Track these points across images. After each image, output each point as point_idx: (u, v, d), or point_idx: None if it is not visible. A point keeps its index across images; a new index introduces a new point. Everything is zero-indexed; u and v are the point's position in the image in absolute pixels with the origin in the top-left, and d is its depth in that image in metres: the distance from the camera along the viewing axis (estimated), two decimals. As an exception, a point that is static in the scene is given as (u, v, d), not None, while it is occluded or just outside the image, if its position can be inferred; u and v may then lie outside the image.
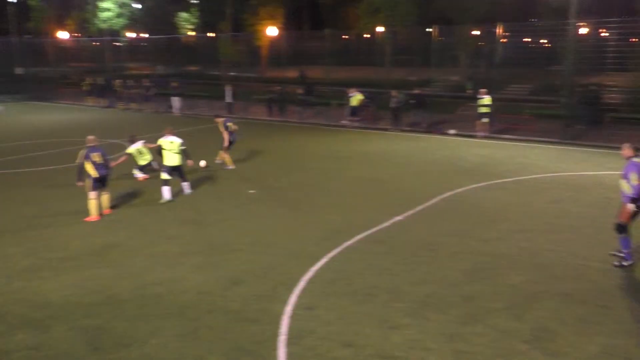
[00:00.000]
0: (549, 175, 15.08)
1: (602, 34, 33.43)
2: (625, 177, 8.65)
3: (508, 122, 23.94)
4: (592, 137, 20.70)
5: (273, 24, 42.00)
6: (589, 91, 24.11)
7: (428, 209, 12.04)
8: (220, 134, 15.95)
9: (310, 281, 8.41)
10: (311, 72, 43.09)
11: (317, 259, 9.22)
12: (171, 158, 12.73)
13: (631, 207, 8.56)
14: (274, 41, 43.74)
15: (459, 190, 13.51)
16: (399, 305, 7.60)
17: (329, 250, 9.61)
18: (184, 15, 52.13)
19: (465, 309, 7.46)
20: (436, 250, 9.63)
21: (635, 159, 8.64)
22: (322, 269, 8.88)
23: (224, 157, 16.02)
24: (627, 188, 8.59)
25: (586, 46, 31.49)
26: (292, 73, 41.84)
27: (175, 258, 9.43)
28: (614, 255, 8.94)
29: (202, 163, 15.41)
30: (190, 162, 13.21)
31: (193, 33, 52.92)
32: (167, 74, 47.43)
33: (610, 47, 24.67)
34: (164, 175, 12.75)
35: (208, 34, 43.40)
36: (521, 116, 24.91)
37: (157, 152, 13.04)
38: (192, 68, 52.22)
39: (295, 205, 12.45)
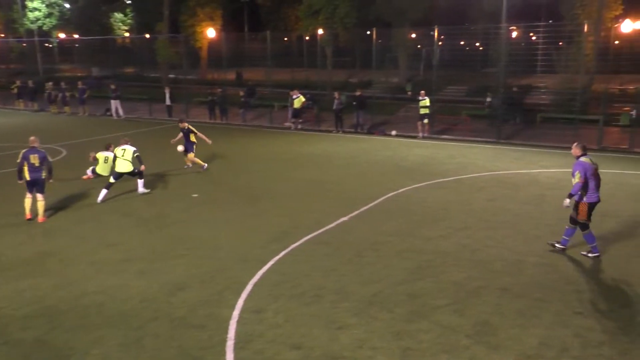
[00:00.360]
0: (486, 174, 15.64)
1: (532, 38, 35.00)
2: (573, 174, 9.06)
3: (447, 123, 24.71)
4: (525, 137, 21.67)
5: (212, 26, 41.44)
6: (511, 92, 25.58)
7: (372, 209, 12.22)
8: (177, 137, 15.98)
9: (258, 284, 8.37)
10: (252, 74, 42.95)
11: (264, 262, 9.18)
12: (122, 165, 13.01)
13: (567, 202, 9.02)
14: (213, 43, 43.18)
15: (402, 190, 13.79)
16: (346, 305, 7.67)
17: (275, 253, 9.58)
18: (118, 15, 50.61)
19: (410, 306, 7.62)
20: (381, 249, 9.79)
21: (583, 159, 9.04)
22: (269, 271, 8.85)
23: (195, 160, 15.79)
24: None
25: (517, 49, 32.95)
26: (232, 75, 41.52)
27: (117, 265, 9.14)
28: (553, 244, 9.49)
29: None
30: (142, 167, 13.32)
31: (128, 34, 51.51)
32: (102, 76, 46.06)
33: (539, 50, 25.85)
34: (111, 180, 13.01)
35: (145, 35, 42.28)
36: (459, 117, 25.75)
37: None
38: (129, 70, 50.89)
39: (241, 209, 12.35)
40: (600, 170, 9.37)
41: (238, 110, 27.34)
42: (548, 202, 12.64)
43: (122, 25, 51.12)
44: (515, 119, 24.23)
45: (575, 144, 9.35)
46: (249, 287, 8.26)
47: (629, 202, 12.65)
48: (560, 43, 27.22)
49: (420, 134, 22.17)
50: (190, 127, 15.81)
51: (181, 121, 15.99)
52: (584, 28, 22.47)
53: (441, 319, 7.26)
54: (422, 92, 22.38)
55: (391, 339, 6.78)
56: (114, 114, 28.49)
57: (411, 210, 12.12)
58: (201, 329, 7.06)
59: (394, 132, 22.95)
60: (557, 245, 9.50)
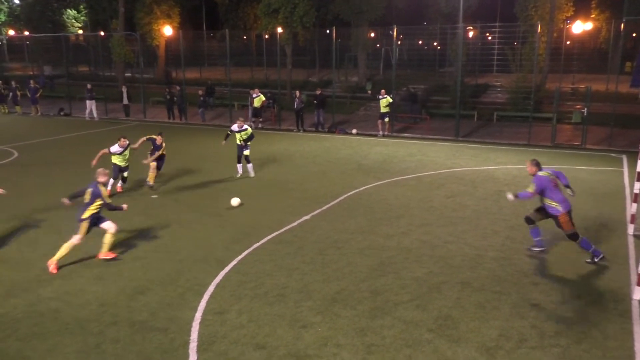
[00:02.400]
0: (445, 171, 15.92)
1: (489, 38, 35.82)
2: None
3: (406, 122, 25.04)
4: (483, 134, 22.17)
5: (169, 23, 40.74)
6: (409, 90, 27.65)
7: (334, 208, 12.27)
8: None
9: (220, 285, 8.29)
10: (211, 73, 42.48)
11: (226, 263, 9.11)
12: (122, 162, 13.22)
13: (510, 196, 9.26)
14: (170, 41, 42.49)
15: (363, 188, 13.90)
16: (310, 303, 7.69)
17: (237, 254, 9.52)
18: (71, 12, 49.17)
19: (373, 303, 7.69)
20: (343, 247, 9.85)
21: (540, 173, 9.09)
22: (231, 272, 8.78)
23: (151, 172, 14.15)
24: (547, 202, 9.00)
25: (474, 49, 33.67)
26: (191, 74, 40.98)
27: (72, 270, 8.90)
28: (529, 249, 9.66)
29: None
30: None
31: (81, 31, 50.12)
32: (54, 75, 44.68)
33: (495, 50, 26.51)
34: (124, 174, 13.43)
35: (99, 33, 41.20)
36: (418, 115, 26.11)
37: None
38: (83, 69, 49.52)
39: (201, 210, 12.21)
40: (554, 166, 9.64)
41: (197, 110, 27.00)
42: (505, 198, 12.95)
43: (75, 22, 49.67)
44: (418, 113, 25.87)
45: (528, 162, 9.34)
46: (211, 289, 8.18)
47: (582, 197, 13.07)
48: (515, 43, 27.98)
49: (381, 133, 22.39)
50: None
51: (160, 134, 14.27)
52: (537, 29, 23.12)
53: (404, 314, 7.36)
54: (383, 90, 22.61)
55: (355, 336, 6.83)
56: (87, 115, 27.63)
57: (373, 208, 12.23)
58: (163, 332, 6.95)
59: (354, 131, 23.12)
60: (534, 249, 9.62)
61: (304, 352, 6.49)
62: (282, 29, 30.98)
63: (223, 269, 8.89)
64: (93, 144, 13.43)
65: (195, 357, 6.40)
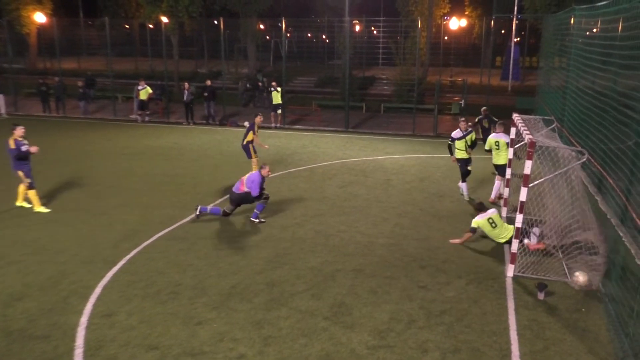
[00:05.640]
0: (337, 162, 16.29)
1: (374, 32, 37.04)
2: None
3: (298, 114, 25.27)
4: (371, 125, 22.94)
5: (40, 10, 37.75)
6: (252, 80, 29.84)
7: (228, 202, 12.10)
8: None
9: (108, 287, 7.89)
10: (91, 64, 40.10)
11: (114, 263, 8.68)
12: None
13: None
14: (43, 29, 39.40)
15: (256, 180, 13.82)
16: (205, 300, 7.55)
17: (126, 252, 9.10)
18: None
19: (269, 295, 7.71)
20: (238, 241, 9.76)
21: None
22: (120, 272, 8.38)
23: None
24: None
25: (361, 42, 34.67)
26: (68, 64, 38.42)
27: None
28: None
29: None
30: None
31: None
32: None
33: (380, 44, 27.47)
34: None
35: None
36: (309, 107, 26.47)
37: None
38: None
39: (85, 208, 11.51)
40: (435, 155, 10.19)
41: (77, 103, 25.34)
42: (393, 185, 13.54)
43: None
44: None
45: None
46: (97, 291, 7.75)
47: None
48: (398, 37, 29.18)
49: (274, 125, 22.42)
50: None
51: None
52: (417, 23, 24.28)
53: (299, 304, 7.45)
54: (274, 83, 22.61)
55: (252, 329, 6.81)
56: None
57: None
58: (45, 340, 6.48)
59: (246, 123, 22.71)
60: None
61: (199, 349, 6.36)
62: (167, 18, 29.91)
63: (111, 269, 8.47)
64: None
65: (83, 364, 6.05)
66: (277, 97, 22.31)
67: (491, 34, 34.04)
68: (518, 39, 42.05)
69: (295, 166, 15.55)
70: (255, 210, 10.79)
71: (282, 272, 8.47)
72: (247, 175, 10.83)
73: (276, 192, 12.88)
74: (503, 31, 54.54)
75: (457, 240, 9.77)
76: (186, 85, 23.11)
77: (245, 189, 10.63)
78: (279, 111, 22.43)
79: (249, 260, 8.90)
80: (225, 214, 10.92)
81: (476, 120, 15.75)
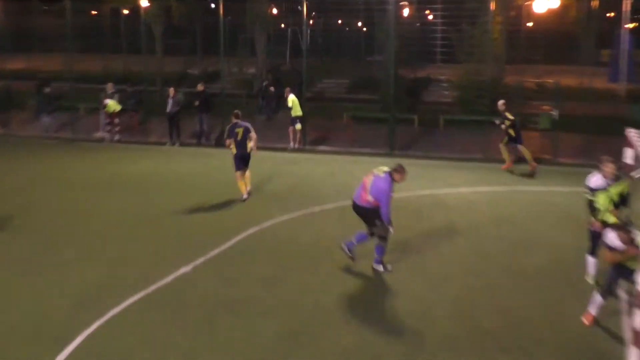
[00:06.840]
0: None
1: (429, 17, 37.15)
2: None
3: (324, 129, 25.28)
4: (426, 146, 22.79)
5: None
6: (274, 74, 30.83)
7: (226, 253, 12.10)
8: None
9: (58, 376, 7.84)
10: (44, 63, 41.00)
11: (69, 340, 8.62)
12: None
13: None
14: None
15: (268, 223, 13.82)
16: (193, 394, 7.41)
17: (86, 325, 9.06)
18: None
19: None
20: (241, 309, 9.67)
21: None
22: (76, 352, 8.33)
23: None
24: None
25: (411, 31, 34.75)
26: (18, 63, 39.43)
27: None
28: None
29: None
30: None
31: None
32: None
33: (438, 33, 27.47)
34: None
35: None
36: (339, 120, 26.49)
37: None
38: None
39: (31, 262, 11.62)
40: (520, 189, 9.97)
41: (33, 115, 25.82)
42: (458, 231, 13.32)
43: None
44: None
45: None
46: (43, 382, 7.71)
47: (560, 226, 13.63)
48: (463, 24, 29.21)
49: (291, 144, 22.46)
50: None
51: None
52: (490, 5, 24.26)
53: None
54: (288, 88, 22.79)
55: None
56: None
57: (281, 251, 12.20)
58: None
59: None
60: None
61: None
62: (149, 1, 30.54)
63: (64, 349, 8.41)
64: None
65: None
66: (296, 107, 22.34)
67: (594, 18, 33.85)
68: (633, 24, 41.65)
69: (321, 203, 15.47)
70: (375, 255, 10.87)
71: (301, 356, 8.31)
72: (371, 177, 10.77)
73: (295, 240, 12.81)
74: (612, 14, 54.22)
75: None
76: (171, 91, 23.31)
77: (370, 199, 10.57)
78: (298, 126, 22.43)
79: (254, 337, 8.78)
80: (371, 234, 11.04)
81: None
